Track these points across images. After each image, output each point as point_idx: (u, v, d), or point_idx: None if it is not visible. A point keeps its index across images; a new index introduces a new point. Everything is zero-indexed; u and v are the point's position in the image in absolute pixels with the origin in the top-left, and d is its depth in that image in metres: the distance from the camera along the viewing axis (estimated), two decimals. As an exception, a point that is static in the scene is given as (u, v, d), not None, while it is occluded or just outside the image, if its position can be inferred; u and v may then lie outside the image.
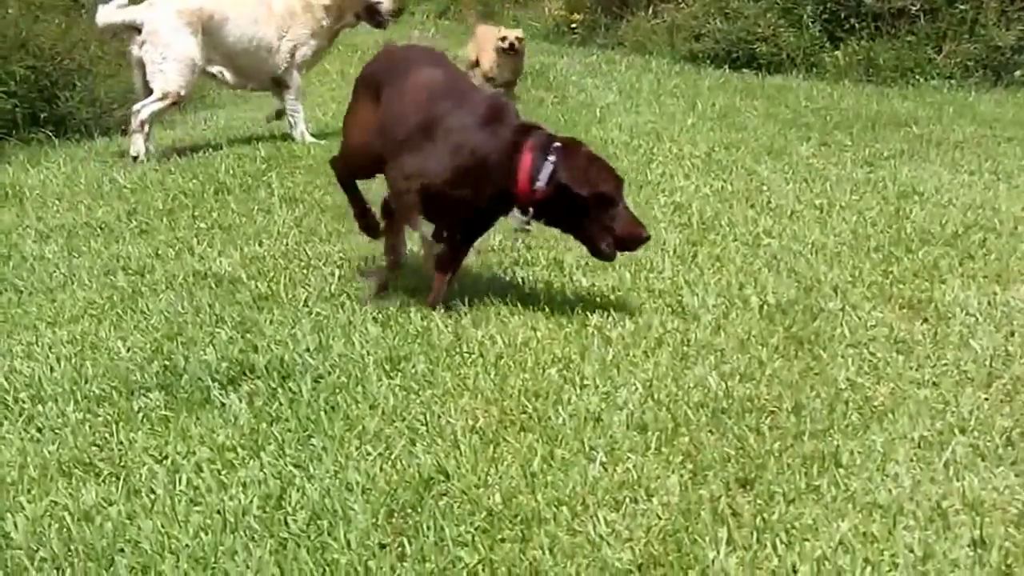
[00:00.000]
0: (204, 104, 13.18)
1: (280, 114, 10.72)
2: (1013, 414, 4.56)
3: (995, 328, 5.51)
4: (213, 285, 6.37)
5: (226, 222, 7.65)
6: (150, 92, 10.01)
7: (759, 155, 9.57)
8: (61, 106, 11.16)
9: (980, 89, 14.24)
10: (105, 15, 9.97)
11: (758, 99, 12.97)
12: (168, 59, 9.86)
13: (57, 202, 8.41)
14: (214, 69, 10.28)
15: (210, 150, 10.07)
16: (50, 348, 5.49)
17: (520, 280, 6.24)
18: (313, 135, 10.61)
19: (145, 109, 9.90)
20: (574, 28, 18.43)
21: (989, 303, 5.86)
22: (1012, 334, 5.43)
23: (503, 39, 12.38)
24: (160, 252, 7.05)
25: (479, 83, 12.33)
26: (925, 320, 5.66)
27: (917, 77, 14.86)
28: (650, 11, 17.97)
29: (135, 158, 9.79)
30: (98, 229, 7.63)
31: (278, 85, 10.59)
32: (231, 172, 9.02)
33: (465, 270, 6.38)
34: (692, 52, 16.48)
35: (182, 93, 10.04)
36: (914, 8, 15.19)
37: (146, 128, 9.92)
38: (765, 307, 5.79)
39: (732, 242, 6.95)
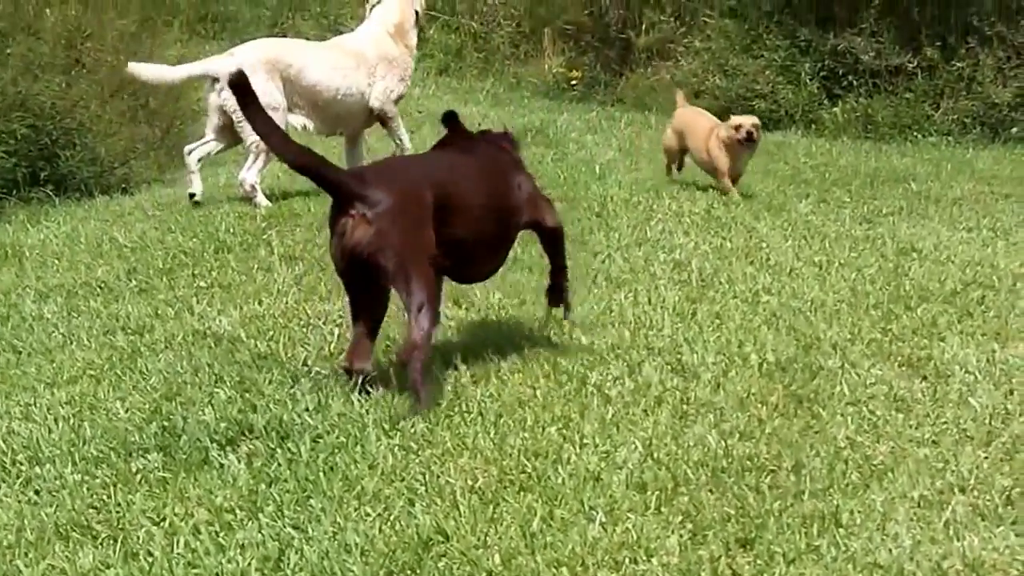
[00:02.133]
0: (203, 163, 13.18)
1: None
2: (1013, 473, 4.55)
3: (994, 386, 5.51)
4: (212, 345, 6.36)
5: (226, 281, 7.64)
6: (217, 135, 10.23)
7: (758, 212, 9.58)
8: (61, 165, 11.18)
9: (978, 146, 14.29)
10: (182, 71, 10.34)
11: (757, 155, 12.97)
12: None
13: (57, 261, 8.41)
14: (296, 120, 10.41)
15: (210, 208, 10.07)
16: (48, 409, 5.48)
17: (519, 338, 6.23)
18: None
19: (248, 175, 10.11)
20: (573, 85, 18.46)
21: (988, 361, 5.86)
22: (1011, 392, 5.43)
23: (737, 127, 10.24)
24: (159, 311, 7.05)
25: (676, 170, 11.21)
26: (924, 378, 5.66)
27: (915, 134, 14.92)
28: (649, 68, 18.04)
29: (257, 205, 10.12)
30: (97, 288, 7.62)
31: (381, 121, 10.82)
32: (231, 230, 9.03)
33: (463, 327, 6.40)
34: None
35: None
36: (911, 65, 15.26)
37: (257, 188, 10.18)
38: (764, 365, 5.78)
39: (731, 299, 6.95)
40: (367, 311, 5.53)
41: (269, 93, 10.03)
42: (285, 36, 14.47)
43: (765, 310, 6.74)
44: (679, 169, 11.31)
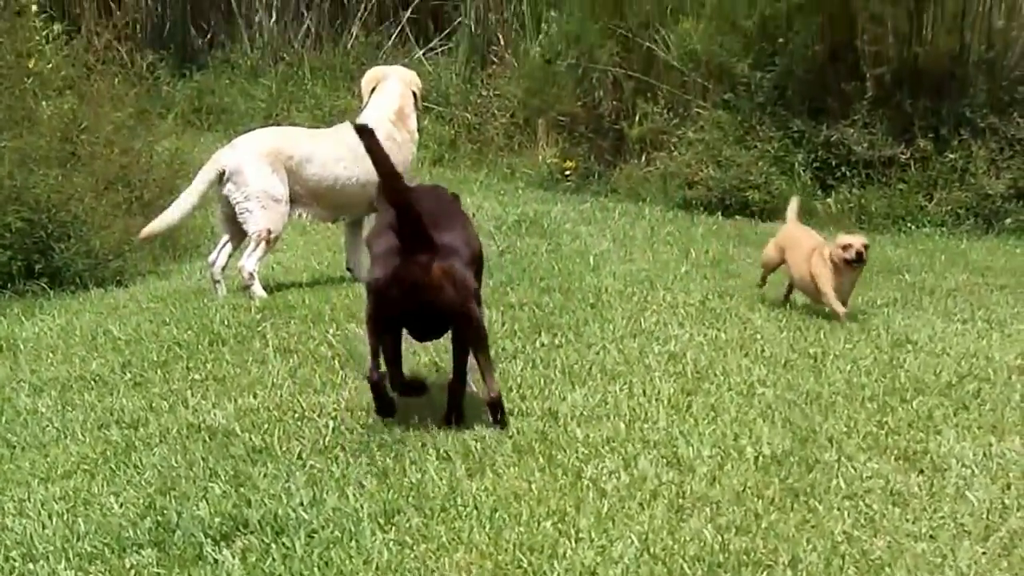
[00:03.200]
0: (199, 254, 13.18)
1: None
2: (1011, 568, 4.54)
3: (991, 480, 5.50)
4: (207, 438, 6.34)
5: (220, 373, 7.63)
6: (232, 228, 10.20)
7: (753, 303, 9.58)
8: (56, 258, 11.17)
9: (971, 237, 14.33)
10: (193, 194, 10.23)
11: (751, 246, 12.99)
12: (251, 198, 10.01)
13: (51, 354, 8.40)
14: (298, 210, 10.42)
15: (204, 300, 10.07)
16: (42, 504, 5.46)
17: (515, 431, 6.22)
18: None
19: (248, 262, 10.04)
20: (568, 175, 18.48)
21: (984, 454, 5.86)
22: (1008, 486, 5.42)
23: (845, 247, 9.19)
24: (154, 405, 7.03)
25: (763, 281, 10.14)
26: (921, 472, 5.65)
27: (908, 224, 14.96)
28: (643, 159, 18.10)
29: (252, 295, 10.02)
30: (92, 382, 7.61)
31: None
32: (226, 322, 9.02)
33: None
34: (685, 199, 16.56)
35: (271, 230, 10.12)
36: (904, 157, 15.32)
37: (255, 277, 10.08)
38: (760, 458, 5.78)
39: (726, 392, 6.95)
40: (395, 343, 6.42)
41: (273, 186, 10.04)
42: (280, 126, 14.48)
43: (760, 402, 6.73)
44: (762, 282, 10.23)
